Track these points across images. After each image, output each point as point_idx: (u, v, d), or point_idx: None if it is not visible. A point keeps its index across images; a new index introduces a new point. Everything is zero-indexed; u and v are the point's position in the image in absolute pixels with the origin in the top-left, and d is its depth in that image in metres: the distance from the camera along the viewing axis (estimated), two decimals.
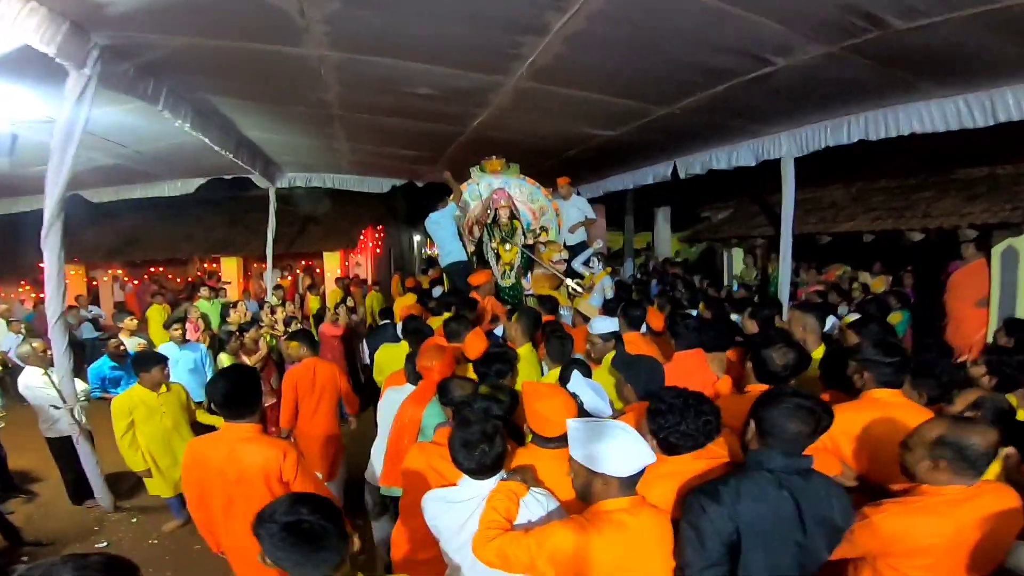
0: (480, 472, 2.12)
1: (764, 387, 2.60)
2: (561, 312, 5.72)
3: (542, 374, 3.84)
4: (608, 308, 5.17)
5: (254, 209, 14.76)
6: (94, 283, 14.81)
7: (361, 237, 14.16)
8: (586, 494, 1.92)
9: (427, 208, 7.73)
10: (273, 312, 7.94)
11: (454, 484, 2.21)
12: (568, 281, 6.73)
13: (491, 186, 7.28)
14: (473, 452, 2.09)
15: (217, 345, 6.13)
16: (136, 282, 14.51)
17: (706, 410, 2.09)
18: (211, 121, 6.91)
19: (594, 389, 2.65)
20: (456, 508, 2.12)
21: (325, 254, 13.68)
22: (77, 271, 14.17)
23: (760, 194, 10.39)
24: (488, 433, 2.11)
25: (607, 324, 3.85)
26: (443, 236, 6.78)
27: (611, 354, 3.58)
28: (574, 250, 7.34)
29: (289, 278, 14.52)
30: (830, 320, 4.29)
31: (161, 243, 14.08)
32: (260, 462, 2.55)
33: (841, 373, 2.76)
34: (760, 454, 1.94)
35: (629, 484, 1.86)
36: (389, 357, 4.59)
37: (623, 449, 1.84)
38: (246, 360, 5.95)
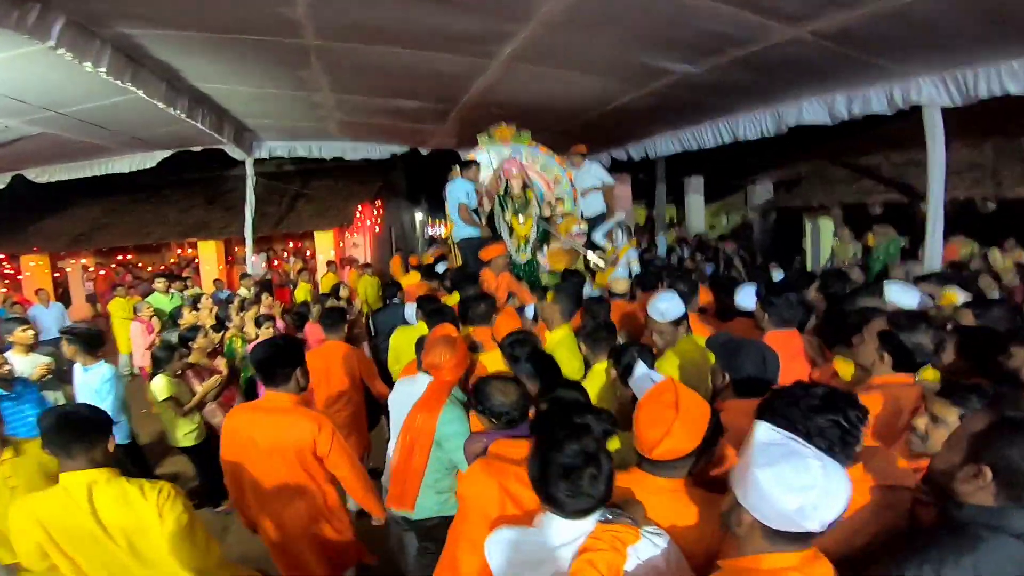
0: (584, 511, 1.52)
1: (894, 378, 2.29)
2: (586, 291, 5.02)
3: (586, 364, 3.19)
4: (645, 284, 4.69)
5: (237, 188, 13.11)
6: (58, 275, 13.21)
7: (358, 214, 12.48)
8: (730, 530, 1.39)
9: (433, 180, 7.56)
10: (244, 308, 6.30)
11: (531, 515, 1.68)
12: (590, 254, 6.27)
13: (501, 155, 6.90)
14: (578, 483, 1.50)
15: (154, 363, 4.49)
16: (104, 272, 12.93)
17: (853, 417, 1.57)
18: (144, 68, 5.21)
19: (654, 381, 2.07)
20: (536, 556, 1.56)
21: (316, 234, 11.99)
22: (39, 262, 12.60)
23: (839, 156, 8.78)
24: (592, 453, 1.54)
25: (674, 305, 3.16)
26: (453, 211, 6.33)
27: (683, 341, 3.08)
28: (593, 222, 6.85)
29: (276, 263, 12.92)
30: (915, 296, 3.42)
31: (130, 228, 12.49)
32: (295, 434, 2.50)
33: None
34: (1004, 513, 1.36)
35: (798, 537, 1.28)
36: (407, 341, 3.92)
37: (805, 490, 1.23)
38: (195, 386, 4.38)
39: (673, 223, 13.82)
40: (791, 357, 2.60)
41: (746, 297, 3.81)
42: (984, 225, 7.09)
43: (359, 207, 12.47)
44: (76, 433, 1.98)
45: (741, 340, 2.37)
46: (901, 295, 3.28)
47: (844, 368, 2.71)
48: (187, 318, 6.00)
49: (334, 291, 7.20)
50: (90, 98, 5.79)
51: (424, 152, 9.79)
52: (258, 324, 5.40)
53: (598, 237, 6.64)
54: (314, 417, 2.54)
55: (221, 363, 4.88)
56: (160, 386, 4.30)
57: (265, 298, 6.83)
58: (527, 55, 4.74)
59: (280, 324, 6.67)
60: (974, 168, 7.43)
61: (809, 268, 8.90)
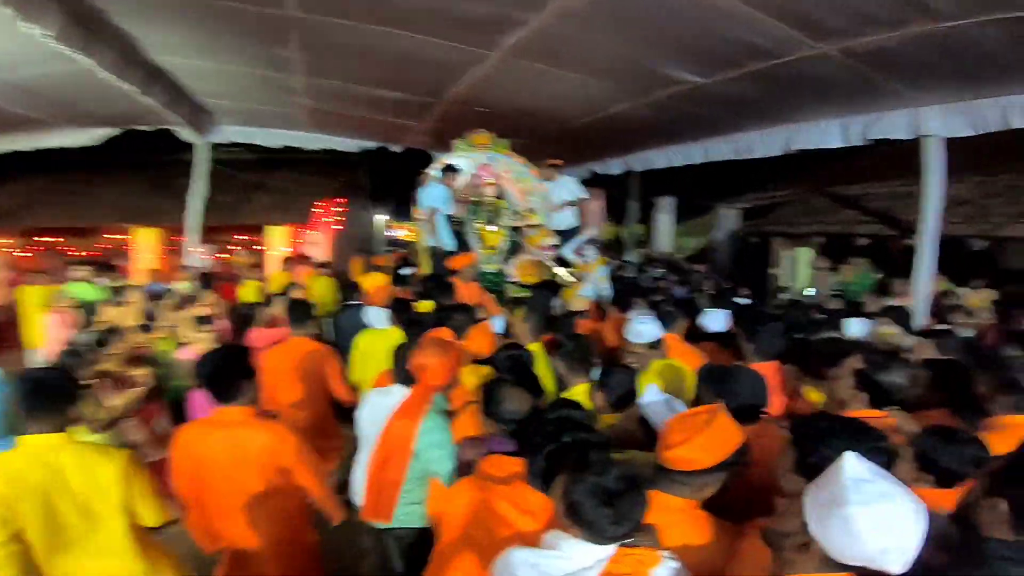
0: (622, 536, 1.50)
1: (869, 413, 2.25)
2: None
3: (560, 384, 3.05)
4: (620, 303, 4.85)
5: (188, 174, 12.16)
6: None
7: (317, 211, 11.68)
8: (775, 545, 1.42)
9: (399, 181, 7.96)
10: (181, 306, 5.53)
11: (530, 536, 1.68)
12: (558, 270, 6.23)
13: (476, 162, 6.79)
14: (622, 509, 1.48)
15: None
16: (28, 255, 11.67)
17: (883, 447, 1.56)
18: (98, 38, 4.49)
19: (669, 406, 2.11)
20: None
21: (270, 229, 11.13)
22: None
23: (820, 184, 8.70)
24: (634, 478, 1.53)
25: (651, 327, 3.21)
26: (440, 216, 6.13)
27: (659, 364, 2.98)
28: (564, 236, 6.81)
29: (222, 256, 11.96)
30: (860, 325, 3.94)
31: (61, 209, 11.31)
32: (256, 448, 2.37)
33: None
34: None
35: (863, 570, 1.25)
36: (374, 346, 3.77)
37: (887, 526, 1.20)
38: (110, 400, 3.66)
39: (642, 242, 13.65)
40: (772, 389, 2.61)
41: (714, 321, 3.87)
42: (963, 262, 7.06)
43: (319, 203, 11.69)
44: (43, 399, 2.08)
45: (732, 367, 2.45)
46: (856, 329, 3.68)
47: (815, 399, 2.81)
48: (106, 315, 5.18)
49: (285, 291, 6.48)
50: (28, 64, 5.00)
51: (395, 150, 9.20)
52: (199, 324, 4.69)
53: (568, 252, 6.53)
54: (274, 430, 2.44)
55: (142, 372, 4.15)
56: None
57: (207, 295, 6.07)
58: (531, 49, 4.37)
59: (222, 325, 5.96)
60: (963, 204, 7.40)
61: (784, 296, 8.74)
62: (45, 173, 12.53)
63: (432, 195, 6.25)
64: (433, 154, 9.46)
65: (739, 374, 2.33)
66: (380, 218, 19.78)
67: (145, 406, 4.01)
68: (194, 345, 4.56)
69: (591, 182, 10.48)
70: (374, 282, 6.14)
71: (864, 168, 8.74)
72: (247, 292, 8.17)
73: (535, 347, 3.33)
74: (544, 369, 3.17)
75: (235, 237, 12.90)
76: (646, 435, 2.12)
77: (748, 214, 11.55)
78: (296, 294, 6.52)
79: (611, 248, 13.98)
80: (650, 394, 2.22)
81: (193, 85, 6.36)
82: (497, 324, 3.98)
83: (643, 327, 3.18)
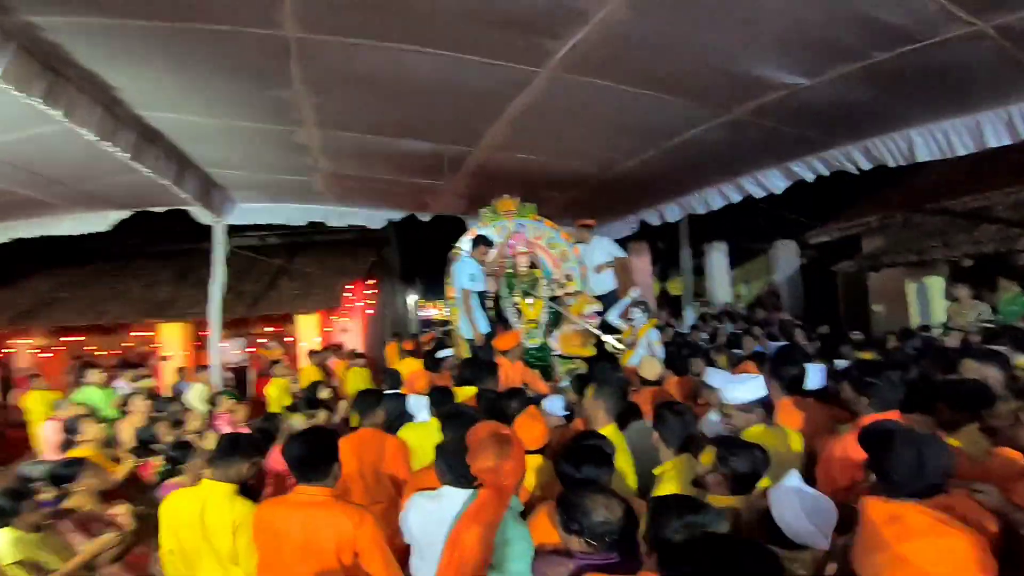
0: None
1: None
2: None
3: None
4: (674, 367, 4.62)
5: (207, 262, 11.71)
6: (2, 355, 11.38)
7: (347, 294, 10.94)
8: None
9: (429, 256, 7.33)
10: (179, 423, 4.61)
11: None
12: (606, 338, 5.90)
13: (505, 230, 6.47)
14: None
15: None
16: (51, 355, 11.14)
17: None
18: (66, 81, 3.88)
19: (805, 502, 1.79)
20: None
21: (298, 317, 10.37)
22: None
23: (919, 201, 7.55)
24: None
25: (751, 387, 2.75)
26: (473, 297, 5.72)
27: (757, 430, 2.64)
28: (604, 300, 6.47)
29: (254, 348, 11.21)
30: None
31: (84, 304, 10.85)
32: (332, 531, 2.31)
33: None
34: None
35: None
36: (418, 441, 3.48)
37: None
38: (75, 543, 2.67)
39: (699, 295, 12.49)
40: None
41: (815, 378, 3.33)
42: None
43: (349, 286, 10.97)
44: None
45: (914, 432, 1.94)
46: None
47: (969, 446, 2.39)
48: (90, 432, 4.23)
49: (311, 390, 5.51)
50: (5, 127, 4.43)
51: (424, 219, 8.44)
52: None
53: (613, 317, 6.12)
54: (354, 512, 2.36)
55: (123, 510, 3.16)
56: (4, 544, 2.67)
57: (224, 400, 5.18)
58: (590, 57, 3.47)
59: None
60: None
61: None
62: (67, 267, 12.33)
63: (462, 273, 5.82)
64: (467, 220, 8.70)
65: (920, 443, 1.82)
66: (413, 297, 19.11)
67: (130, 549, 3.03)
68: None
69: (636, 235, 9.72)
70: (410, 367, 5.78)
71: (976, 175, 7.55)
72: (273, 391, 7.24)
73: (609, 430, 2.94)
74: (624, 455, 2.81)
75: (264, 328, 12.28)
76: (770, 531, 1.83)
77: (827, 248, 10.26)
78: (323, 394, 5.61)
79: (668, 304, 12.91)
80: (790, 480, 1.89)
81: (195, 151, 5.69)
82: (555, 405, 3.66)
83: (737, 388, 2.77)
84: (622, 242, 10.59)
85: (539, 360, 5.90)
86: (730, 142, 5.02)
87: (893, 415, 2.47)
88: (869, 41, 3.27)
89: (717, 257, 12.95)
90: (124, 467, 3.99)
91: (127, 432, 5.24)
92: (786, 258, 13.43)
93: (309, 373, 7.98)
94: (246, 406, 5.46)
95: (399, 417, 3.79)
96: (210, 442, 4.37)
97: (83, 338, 11.12)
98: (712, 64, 3.64)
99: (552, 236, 6.66)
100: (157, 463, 3.93)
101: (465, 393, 4.08)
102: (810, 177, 5.90)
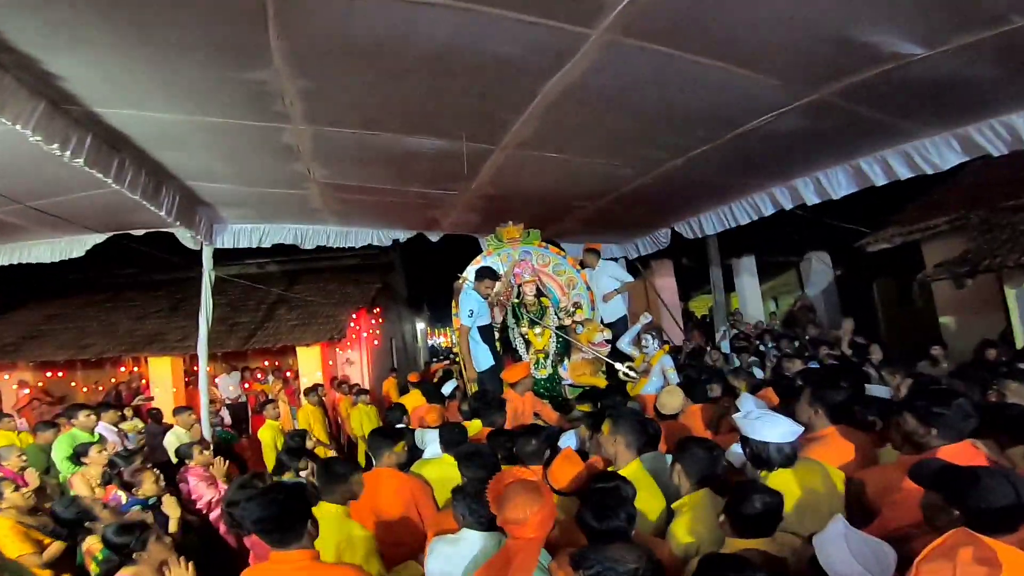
0: None
1: None
2: None
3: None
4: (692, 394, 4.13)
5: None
6: None
7: (351, 324, 10.10)
8: None
9: (436, 281, 7.30)
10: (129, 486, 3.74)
11: None
12: (618, 366, 5.72)
13: (511, 258, 6.37)
14: None
15: None
16: (30, 391, 10.30)
17: None
18: (18, 82, 3.16)
19: (855, 547, 1.68)
20: None
21: (299, 350, 9.51)
22: None
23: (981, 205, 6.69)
24: None
25: (783, 431, 2.47)
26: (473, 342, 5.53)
27: (784, 475, 2.41)
28: (614, 327, 6.31)
29: (247, 384, 10.32)
30: None
31: (69, 338, 10.06)
32: None
33: None
34: None
35: None
36: (435, 478, 3.35)
37: None
38: None
39: (734, 313, 11.55)
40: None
41: (777, 427, 2.73)
42: None
43: (353, 315, 10.14)
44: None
45: (974, 470, 1.81)
46: None
47: None
48: (7, 497, 3.35)
49: (295, 439, 4.63)
50: None
51: (433, 239, 7.63)
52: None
53: (625, 344, 5.93)
54: (345, 572, 2.20)
55: None
56: None
57: (198, 452, 4.32)
58: (655, 14, 2.69)
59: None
60: None
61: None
62: (56, 299, 11.70)
63: (464, 307, 5.59)
64: (480, 240, 7.90)
65: (982, 481, 1.72)
66: (420, 326, 18.24)
67: None
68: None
69: (658, 252, 8.93)
70: (414, 401, 5.61)
71: None
72: (267, 434, 6.35)
73: (633, 466, 2.77)
74: (644, 493, 2.50)
75: (264, 363, 11.42)
76: None
77: (871, 258, 9.34)
78: (307, 443, 4.76)
79: (700, 327, 12.01)
80: (836, 526, 1.76)
81: (170, 159, 4.89)
82: (570, 442, 3.48)
83: (765, 425, 2.49)
84: (647, 260, 9.83)
85: (549, 391, 5.74)
86: (801, 133, 4.21)
87: (965, 446, 2.30)
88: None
89: (746, 272, 12.08)
90: (52, 549, 3.11)
91: (83, 490, 4.38)
92: (819, 270, 12.64)
93: (306, 413, 7.09)
94: (226, 465, 4.55)
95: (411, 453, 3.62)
96: (171, 508, 3.49)
97: (63, 375, 10.29)
98: (810, 26, 2.83)
99: (559, 263, 6.47)
100: (95, 546, 3.02)
101: (474, 428, 3.97)
102: (880, 179, 5.10)
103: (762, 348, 8.24)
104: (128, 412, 7.43)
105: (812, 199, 5.72)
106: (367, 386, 9.94)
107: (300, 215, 6.86)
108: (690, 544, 2.24)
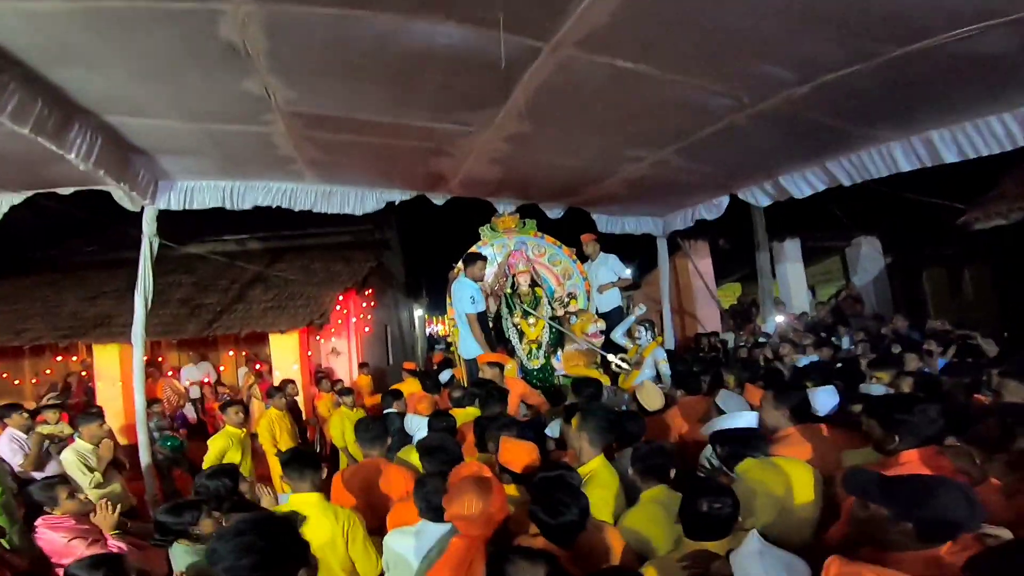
0: None
1: None
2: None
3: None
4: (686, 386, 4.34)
5: (176, 269, 9.42)
6: None
7: (337, 307, 8.57)
8: None
9: (437, 262, 6.97)
10: None
11: None
12: (611, 357, 5.62)
13: (505, 248, 6.32)
14: None
15: None
16: None
17: None
18: None
19: (768, 566, 1.66)
20: None
21: (273, 338, 7.97)
22: None
23: None
24: None
25: (742, 418, 2.86)
26: (461, 327, 5.55)
27: (751, 465, 2.43)
28: (609, 318, 6.19)
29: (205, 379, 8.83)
30: None
31: (1, 321, 8.52)
32: None
33: None
34: None
35: None
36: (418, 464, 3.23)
37: None
38: None
39: (779, 301, 10.11)
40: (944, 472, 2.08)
41: (824, 402, 3.07)
42: None
43: (340, 297, 8.61)
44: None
45: (921, 478, 1.85)
46: None
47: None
48: None
49: (219, 479, 3.09)
50: None
51: (437, 202, 6.11)
52: None
53: (618, 336, 5.93)
54: None
55: None
56: None
57: (65, 496, 2.85)
58: None
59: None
60: None
61: None
62: (11, 278, 10.17)
63: (462, 295, 5.57)
64: (497, 205, 6.42)
65: (936, 490, 1.73)
66: (419, 312, 16.72)
67: None
68: None
69: (692, 232, 8.08)
70: (411, 388, 5.46)
71: None
72: (218, 445, 4.82)
73: (595, 462, 2.74)
74: (601, 490, 2.58)
75: (237, 352, 9.92)
76: None
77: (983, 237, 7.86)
78: (246, 485, 3.31)
79: (740, 315, 10.60)
80: (750, 544, 1.71)
81: (67, 80, 3.42)
82: (551, 429, 3.44)
83: (732, 418, 2.91)
84: (676, 239, 8.40)
85: (542, 381, 5.70)
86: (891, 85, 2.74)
87: (928, 452, 2.25)
88: None
89: (790, 257, 10.62)
90: None
91: None
92: (868, 257, 11.30)
93: (269, 420, 5.60)
94: (115, 514, 3.05)
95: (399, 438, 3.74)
96: None
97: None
98: None
99: (554, 252, 6.37)
100: None
101: (467, 415, 3.98)
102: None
103: (835, 341, 6.87)
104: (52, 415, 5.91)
105: (948, 157, 4.27)
106: (358, 379, 8.50)
107: (268, 168, 5.35)
108: (641, 540, 2.23)
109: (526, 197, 6.30)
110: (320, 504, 2.58)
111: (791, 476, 2.35)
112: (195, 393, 9.08)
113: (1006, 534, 1.72)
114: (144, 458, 5.24)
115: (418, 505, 2.38)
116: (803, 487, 2.35)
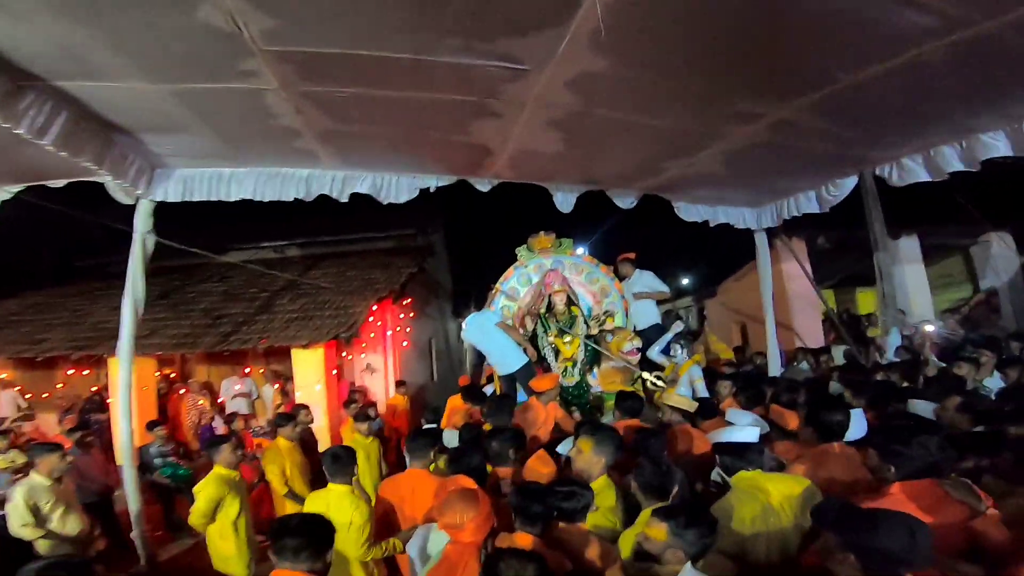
0: None
1: None
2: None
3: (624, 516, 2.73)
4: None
5: (210, 278, 8.77)
6: None
7: (369, 319, 7.53)
8: None
9: (493, 267, 6.52)
10: None
11: None
12: (646, 375, 5.58)
13: (542, 267, 6.23)
14: None
15: None
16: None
17: None
18: None
19: None
20: None
21: (295, 353, 7.00)
22: None
23: None
24: None
25: (744, 432, 2.92)
26: (492, 346, 5.53)
27: (746, 477, 2.53)
28: (647, 335, 6.00)
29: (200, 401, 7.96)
30: None
31: (21, 332, 7.99)
32: None
33: None
34: None
35: None
36: None
37: None
38: None
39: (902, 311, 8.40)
40: (929, 509, 2.06)
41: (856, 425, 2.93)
42: None
43: (373, 307, 7.58)
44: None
45: (873, 511, 1.85)
46: None
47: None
48: None
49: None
50: None
51: (482, 188, 4.97)
52: None
53: (655, 353, 5.74)
54: None
55: None
56: None
57: None
58: None
59: None
60: None
61: None
62: (44, 288, 10.02)
63: (474, 325, 5.67)
64: (554, 192, 5.25)
65: (880, 521, 1.77)
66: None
67: None
68: None
69: (787, 228, 6.71)
70: (456, 403, 5.38)
71: None
72: (208, 493, 3.77)
73: (600, 482, 2.78)
74: (602, 509, 2.65)
75: (262, 368, 9.02)
76: None
77: None
78: None
79: (848, 326, 8.97)
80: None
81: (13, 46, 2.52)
82: (564, 447, 3.38)
83: (738, 433, 2.94)
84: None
85: (576, 398, 5.65)
86: None
87: (925, 485, 2.20)
88: None
89: (908, 257, 8.90)
90: None
91: None
92: (1000, 256, 9.55)
93: (277, 454, 4.57)
94: None
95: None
96: None
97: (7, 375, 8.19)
98: None
99: (591, 271, 6.31)
100: None
101: None
102: None
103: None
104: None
105: None
106: (393, 398, 7.45)
107: (272, 148, 4.39)
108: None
109: (592, 181, 5.07)
110: (347, 495, 3.15)
111: (777, 491, 2.37)
112: (239, 406, 8.14)
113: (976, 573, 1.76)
114: (130, 491, 4.34)
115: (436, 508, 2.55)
116: (788, 503, 2.34)
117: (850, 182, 4.78)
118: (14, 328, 8.44)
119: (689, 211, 5.78)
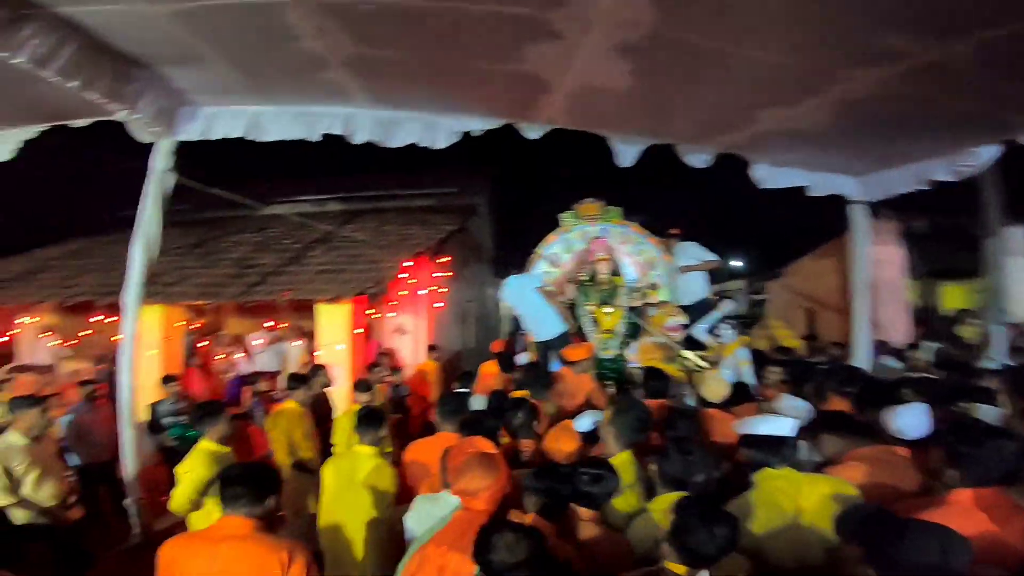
0: None
1: None
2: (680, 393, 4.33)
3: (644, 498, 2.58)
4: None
5: (247, 229, 8.51)
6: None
7: (401, 275, 7.00)
8: None
9: (538, 227, 6.45)
10: None
11: None
12: (687, 353, 5.37)
13: (587, 235, 6.16)
14: None
15: None
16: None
17: None
18: None
19: None
20: None
21: (319, 308, 6.58)
22: None
23: None
24: None
25: (774, 423, 2.47)
26: (529, 309, 5.57)
27: (770, 474, 2.32)
28: (693, 312, 5.85)
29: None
30: None
31: (55, 278, 7.90)
32: (253, 568, 2.06)
33: None
34: None
35: None
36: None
37: None
38: None
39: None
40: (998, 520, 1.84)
41: (913, 422, 2.67)
42: None
43: (408, 263, 7.06)
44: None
45: (906, 522, 1.64)
46: None
47: None
48: None
49: None
50: None
51: (533, 135, 4.30)
52: None
53: (700, 332, 5.68)
54: (282, 544, 2.13)
55: None
56: None
57: None
58: None
59: None
60: None
61: None
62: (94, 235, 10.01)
63: (513, 287, 5.78)
64: (616, 146, 4.53)
65: (906, 532, 1.59)
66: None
67: None
68: None
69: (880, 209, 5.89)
70: (489, 369, 5.32)
71: None
72: (193, 476, 3.32)
73: (621, 458, 2.70)
74: (624, 484, 2.51)
75: (293, 322, 8.68)
76: None
77: None
78: None
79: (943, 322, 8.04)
80: None
81: None
82: (583, 423, 3.30)
83: (765, 424, 2.47)
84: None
85: (613, 372, 5.36)
86: None
87: (990, 493, 1.95)
88: None
89: (1016, 248, 7.77)
90: None
91: None
92: None
93: (286, 421, 4.15)
94: None
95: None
96: None
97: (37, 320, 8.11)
98: None
99: (639, 240, 6.16)
100: None
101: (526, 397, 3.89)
102: None
103: None
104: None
105: None
106: (424, 364, 7.02)
107: (299, 81, 3.88)
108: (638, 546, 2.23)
109: (663, 132, 4.30)
110: (372, 456, 3.13)
111: (810, 493, 2.16)
112: (267, 363, 7.82)
113: None
114: (127, 453, 4.02)
115: (443, 472, 2.57)
116: (817, 506, 2.11)
117: (986, 152, 3.88)
118: (52, 272, 8.40)
119: (771, 176, 4.83)
